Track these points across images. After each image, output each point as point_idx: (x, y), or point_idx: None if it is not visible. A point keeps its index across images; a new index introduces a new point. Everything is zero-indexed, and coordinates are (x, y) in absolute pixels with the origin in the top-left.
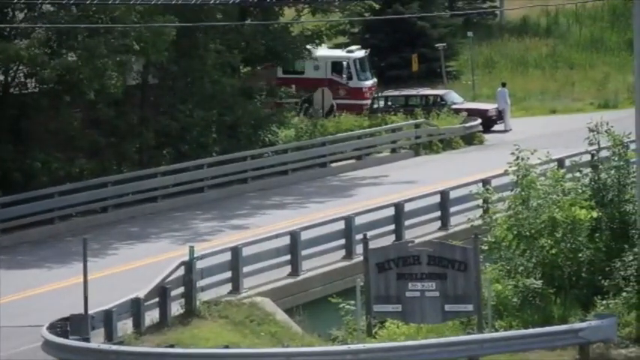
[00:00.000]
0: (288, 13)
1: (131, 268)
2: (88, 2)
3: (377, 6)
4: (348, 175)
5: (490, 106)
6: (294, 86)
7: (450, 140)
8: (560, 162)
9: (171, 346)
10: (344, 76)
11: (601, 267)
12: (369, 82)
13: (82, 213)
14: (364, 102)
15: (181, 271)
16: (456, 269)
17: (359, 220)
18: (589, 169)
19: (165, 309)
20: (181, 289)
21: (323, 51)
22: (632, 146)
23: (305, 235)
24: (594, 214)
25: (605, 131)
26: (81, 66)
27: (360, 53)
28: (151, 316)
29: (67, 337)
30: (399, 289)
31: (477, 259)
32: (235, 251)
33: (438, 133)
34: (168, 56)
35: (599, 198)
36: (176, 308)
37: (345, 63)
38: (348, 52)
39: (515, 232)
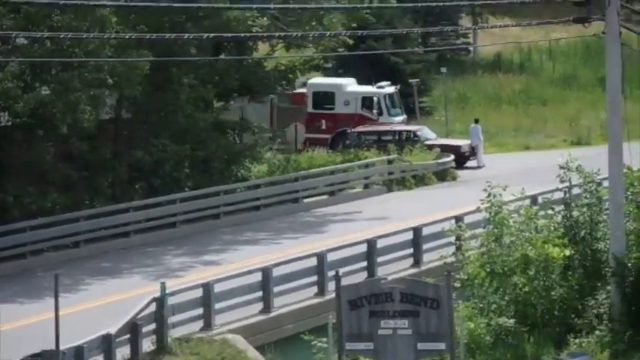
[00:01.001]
0: (262, 47)
1: (103, 303)
2: (62, 36)
3: (351, 41)
4: (320, 210)
5: (463, 142)
6: (323, 121)
7: (423, 176)
8: (533, 199)
9: None
10: (374, 111)
11: (574, 305)
12: (400, 118)
13: (54, 248)
14: None
15: (153, 308)
16: (429, 307)
17: (331, 257)
18: (562, 207)
19: (136, 345)
20: (153, 326)
21: (353, 86)
22: (605, 183)
23: (277, 272)
24: (567, 252)
25: (576, 168)
26: (54, 100)
27: (390, 89)
28: (122, 353)
29: None
30: (372, 327)
31: (449, 297)
32: (207, 288)
33: (411, 169)
34: (141, 90)
35: (571, 236)
36: (147, 345)
37: (375, 98)
38: (379, 87)
39: (487, 270)
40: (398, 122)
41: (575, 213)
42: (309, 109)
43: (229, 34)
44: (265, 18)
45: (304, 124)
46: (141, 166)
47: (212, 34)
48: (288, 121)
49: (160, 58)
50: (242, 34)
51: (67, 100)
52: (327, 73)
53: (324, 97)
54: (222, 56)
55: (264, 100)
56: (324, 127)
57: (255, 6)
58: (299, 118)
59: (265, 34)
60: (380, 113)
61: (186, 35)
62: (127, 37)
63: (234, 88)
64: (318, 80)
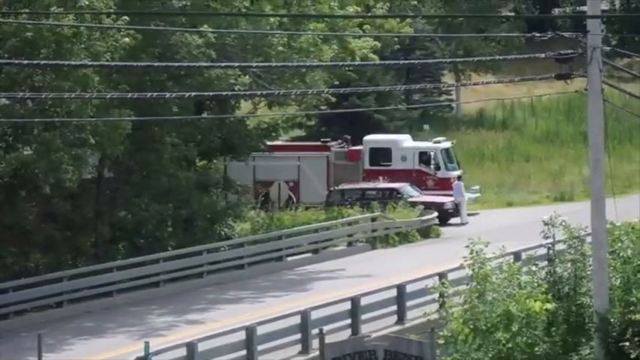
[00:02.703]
0: (245, 106)
1: None
2: (43, 96)
3: (333, 99)
4: (304, 269)
5: (446, 199)
6: (381, 178)
7: (407, 233)
8: (517, 255)
9: None
10: (432, 166)
11: None
12: (457, 172)
13: (37, 308)
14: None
15: None
16: None
17: (315, 315)
18: (545, 263)
19: None
20: None
21: (409, 142)
22: (589, 239)
23: (261, 330)
24: (549, 306)
25: (560, 224)
26: (36, 160)
27: (446, 144)
28: None
29: None
30: None
31: (433, 354)
32: (191, 347)
33: (394, 226)
34: (124, 149)
35: (555, 291)
36: None
37: (432, 153)
38: (435, 142)
39: (471, 327)
40: (455, 177)
41: (558, 269)
42: (366, 165)
43: (211, 93)
44: (247, 76)
45: (361, 180)
46: (123, 225)
47: (194, 93)
48: (345, 177)
49: (142, 117)
50: (224, 93)
51: (50, 160)
52: (310, 130)
53: (381, 154)
54: (204, 115)
55: (319, 157)
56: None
57: (236, 64)
58: (355, 175)
59: (247, 92)
60: (437, 168)
61: (168, 94)
62: (108, 96)
63: (216, 146)
64: (374, 137)
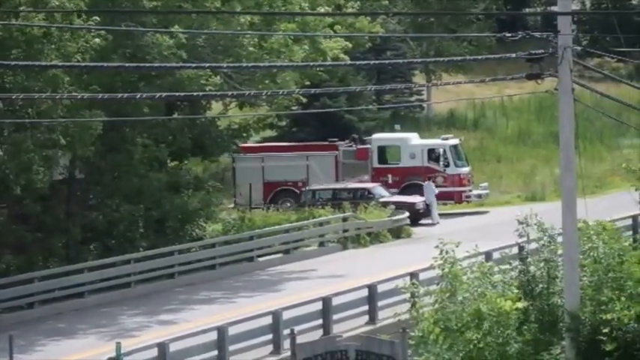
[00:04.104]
0: (216, 107)
1: None
2: (14, 97)
3: (304, 99)
4: (276, 269)
5: (418, 200)
6: (390, 176)
7: (378, 234)
8: (488, 255)
9: None
10: (441, 163)
11: None
12: (466, 169)
13: (8, 309)
14: (463, 189)
15: None
16: None
17: (287, 315)
18: (517, 262)
19: None
20: None
21: (418, 139)
22: (560, 239)
23: (233, 330)
24: (520, 305)
25: (535, 224)
26: (7, 161)
27: (454, 140)
28: None
29: None
30: None
31: (404, 354)
32: (162, 347)
33: (365, 226)
34: (95, 150)
35: (528, 290)
36: None
37: (441, 150)
38: (444, 139)
39: (442, 326)
40: (465, 173)
41: (532, 268)
42: (375, 164)
43: (182, 94)
44: (218, 77)
45: (370, 179)
46: (95, 226)
47: (165, 94)
48: (354, 176)
49: (113, 118)
50: (195, 93)
51: (20, 161)
52: (281, 131)
53: (389, 152)
54: (175, 115)
55: (327, 156)
56: (390, 181)
57: (207, 65)
58: (364, 173)
59: (218, 93)
60: (447, 165)
61: (139, 95)
62: (79, 97)
63: (187, 147)
64: (383, 135)
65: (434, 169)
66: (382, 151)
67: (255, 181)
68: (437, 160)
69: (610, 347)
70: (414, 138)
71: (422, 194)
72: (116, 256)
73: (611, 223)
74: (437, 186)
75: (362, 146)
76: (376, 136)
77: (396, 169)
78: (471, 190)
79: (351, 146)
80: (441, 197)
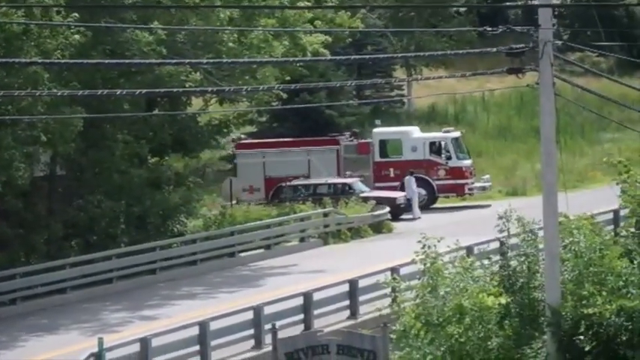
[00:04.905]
0: (196, 102)
1: None
2: None
3: (284, 95)
4: (257, 264)
5: (398, 194)
6: (392, 169)
7: (359, 229)
8: (469, 249)
9: None
10: (443, 156)
11: (510, 354)
12: (468, 162)
13: None
14: (465, 181)
15: None
16: (365, 358)
17: (268, 310)
18: (498, 257)
19: None
20: None
21: (419, 133)
22: (541, 233)
23: (214, 325)
24: (502, 301)
25: (516, 219)
26: None
27: (456, 133)
28: None
29: None
30: None
31: (386, 349)
32: (144, 342)
33: (346, 221)
34: (75, 147)
35: (508, 285)
36: None
37: (443, 143)
38: (445, 132)
39: (423, 321)
40: (467, 166)
41: (513, 262)
42: (376, 158)
43: (162, 90)
44: (198, 73)
45: (372, 173)
46: (76, 222)
47: (145, 90)
48: (355, 170)
49: (94, 114)
50: (175, 90)
51: (1, 158)
52: (261, 127)
53: (391, 145)
54: (155, 112)
55: (329, 151)
56: (392, 175)
57: (187, 61)
58: (366, 168)
59: (198, 89)
60: (449, 157)
61: (119, 91)
62: (59, 93)
63: (168, 143)
64: (384, 129)
65: (436, 162)
66: (383, 145)
67: (257, 176)
68: (439, 152)
69: (589, 347)
70: (415, 131)
71: (426, 187)
72: (98, 252)
73: (592, 217)
74: (438, 179)
75: (363, 140)
76: (377, 130)
77: (398, 163)
78: (473, 183)
79: (352, 141)
80: (444, 190)
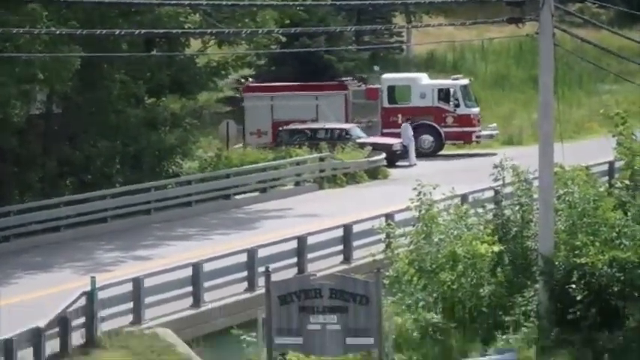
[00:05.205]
0: (194, 44)
1: (33, 297)
2: None
3: (284, 39)
4: (252, 207)
5: (395, 141)
6: (400, 115)
7: (355, 174)
8: (464, 197)
9: None
10: (451, 103)
11: (502, 302)
12: (476, 110)
13: None
14: (473, 129)
15: (83, 302)
16: (358, 303)
17: (262, 253)
18: (493, 205)
19: (66, 339)
20: (83, 320)
21: (428, 79)
22: (536, 183)
23: (208, 267)
24: (495, 249)
25: (510, 167)
26: None
27: (464, 80)
28: (52, 346)
29: None
30: (301, 322)
31: (378, 293)
32: (137, 282)
33: (342, 166)
34: (72, 86)
35: (502, 234)
36: (77, 338)
37: (451, 90)
38: (454, 79)
39: (416, 267)
40: (474, 114)
41: (507, 211)
42: (385, 104)
43: (161, 30)
44: (197, 14)
45: (380, 119)
46: (71, 161)
47: (144, 30)
48: (364, 116)
49: (91, 53)
50: (174, 31)
51: None
52: (260, 70)
53: (400, 92)
54: (153, 52)
55: (337, 96)
56: (400, 121)
57: (187, 2)
58: (374, 113)
59: (197, 31)
60: (457, 105)
61: (118, 31)
62: (57, 32)
63: (165, 84)
64: (393, 75)
65: (444, 109)
66: (392, 91)
67: (265, 120)
68: (447, 100)
69: (580, 296)
70: (424, 78)
71: (433, 134)
72: (92, 192)
73: (587, 168)
74: (446, 126)
75: (372, 86)
76: (386, 76)
77: (406, 109)
78: (480, 131)
79: (360, 86)
80: (451, 138)
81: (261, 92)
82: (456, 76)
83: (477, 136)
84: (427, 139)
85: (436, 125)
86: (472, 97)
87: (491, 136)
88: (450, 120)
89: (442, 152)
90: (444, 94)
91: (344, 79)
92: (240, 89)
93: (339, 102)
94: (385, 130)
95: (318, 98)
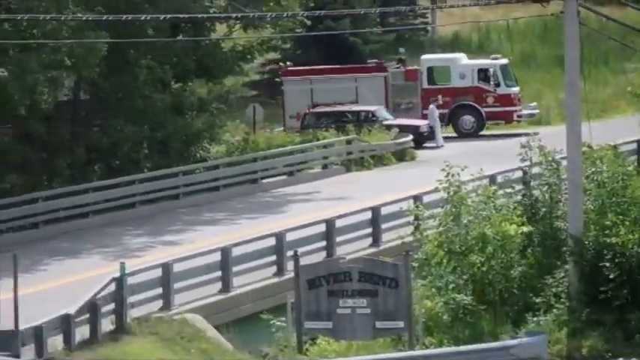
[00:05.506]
0: (220, 28)
1: (62, 284)
2: (19, 17)
3: (308, 22)
4: (279, 191)
5: (422, 122)
6: (440, 96)
7: (382, 156)
8: (492, 178)
9: None
10: (491, 83)
11: (532, 283)
12: (516, 89)
13: (12, 229)
14: (514, 109)
15: (112, 288)
16: (387, 286)
17: (290, 237)
18: (521, 186)
19: (95, 325)
20: (112, 306)
21: (467, 60)
22: (564, 163)
23: (236, 252)
24: (524, 229)
25: (537, 147)
26: (12, 81)
27: (503, 60)
28: (82, 333)
29: None
30: (330, 306)
31: (408, 276)
32: (166, 267)
33: (369, 149)
34: (99, 72)
35: (530, 214)
36: (107, 324)
37: (491, 70)
38: (494, 58)
39: (445, 249)
40: (515, 93)
41: (535, 192)
42: (424, 85)
43: (186, 15)
44: None
45: (420, 100)
46: (99, 147)
47: (169, 15)
48: (403, 97)
49: (118, 39)
50: (199, 15)
51: (25, 82)
52: (285, 53)
53: (439, 72)
54: (179, 37)
55: (377, 78)
56: (440, 102)
57: None
58: (413, 95)
59: (222, 15)
60: (497, 84)
61: (144, 16)
62: (84, 18)
63: (191, 69)
64: (432, 56)
65: (484, 89)
66: (431, 71)
67: (304, 103)
68: (487, 80)
69: (613, 275)
70: (463, 58)
71: (474, 115)
72: (120, 177)
73: (615, 147)
74: (487, 106)
75: (411, 67)
76: (425, 56)
77: (446, 90)
78: (521, 110)
79: (399, 67)
80: (492, 117)
81: (301, 76)
82: (495, 55)
83: (519, 116)
84: (468, 119)
85: (477, 105)
86: (512, 77)
87: (531, 115)
88: (490, 100)
89: (493, 132)
90: (484, 74)
91: (381, 60)
92: (279, 73)
93: (379, 84)
94: (425, 112)
95: (357, 80)
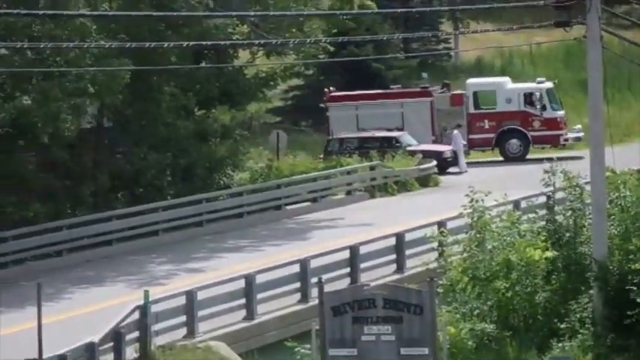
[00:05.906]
0: (243, 55)
1: (86, 312)
2: (42, 46)
3: (331, 48)
4: (303, 217)
5: (445, 148)
6: (486, 121)
7: (405, 182)
8: (516, 204)
9: None
10: (537, 107)
11: (557, 309)
12: (561, 113)
13: (36, 257)
14: (560, 132)
15: (136, 315)
16: (412, 313)
17: (314, 263)
18: (545, 211)
19: (119, 353)
20: (136, 334)
21: (512, 84)
22: (588, 187)
23: (260, 279)
24: (549, 254)
25: (561, 172)
26: (35, 109)
27: (549, 84)
28: None
29: None
30: (355, 333)
31: (432, 303)
32: (190, 295)
33: (393, 175)
34: (122, 99)
35: (555, 239)
36: (131, 353)
37: (537, 94)
38: (539, 82)
39: (470, 275)
40: (560, 116)
41: (559, 217)
42: (470, 109)
43: (209, 42)
44: (245, 25)
45: (467, 125)
46: (122, 174)
47: (192, 42)
48: (448, 122)
49: (141, 66)
50: (222, 42)
51: (48, 110)
52: (308, 80)
53: (485, 97)
54: (202, 64)
55: (422, 103)
56: (487, 126)
57: (234, 13)
58: (459, 119)
59: (245, 42)
60: (544, 108)
61: (167, 44)
62: (107, 45)
63: (214, 95)
64: (477, 80)
65: (531, 113)
66: (477, 96)
67: (350, 129)
68: (533, 103)
69: (638, 299)
70: (508, 82)
71: (521, 139)
72: (144, 204)
73: (638, 172)
74: (533, 130)
75: (456, 92)
76: (471, 81)
77: (492, 115)
78: (567, 133)
79: (444, 92)
80: (539, 141)
81: (346, 101)
82: (540, 79)
83: (565, 139)
84: (515, 143)
85: (523, 129)
86: (557, 100)
87: (578, 139)
88: (537, 124)
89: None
90: (530, 98)
91: (426, 85)
92: (324, 98)
93: (425, 109)
94: (471, 137)
95: (403, 106)
